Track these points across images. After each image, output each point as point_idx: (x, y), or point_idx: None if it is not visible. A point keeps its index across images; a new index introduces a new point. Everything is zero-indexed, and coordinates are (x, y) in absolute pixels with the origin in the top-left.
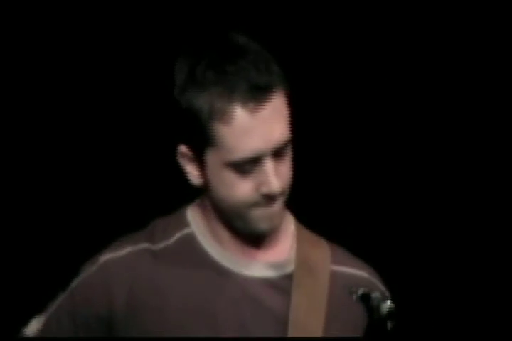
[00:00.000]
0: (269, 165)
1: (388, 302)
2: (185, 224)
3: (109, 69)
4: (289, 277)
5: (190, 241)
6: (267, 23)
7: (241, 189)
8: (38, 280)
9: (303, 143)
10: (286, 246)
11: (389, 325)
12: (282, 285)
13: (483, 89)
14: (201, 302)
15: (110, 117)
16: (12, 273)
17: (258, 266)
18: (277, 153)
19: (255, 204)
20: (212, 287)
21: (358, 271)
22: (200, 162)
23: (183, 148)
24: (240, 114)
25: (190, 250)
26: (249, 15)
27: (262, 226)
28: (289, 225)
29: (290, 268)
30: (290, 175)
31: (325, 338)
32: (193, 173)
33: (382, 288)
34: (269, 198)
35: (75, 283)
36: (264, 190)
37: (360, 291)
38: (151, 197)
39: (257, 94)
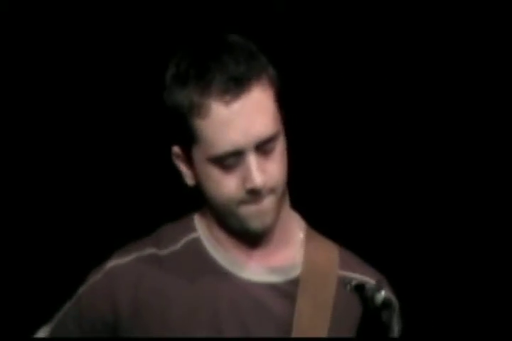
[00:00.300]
0: (251, 159)
1: (383, 293)
2: (192, 229)
3: (110, 72)
4: (295, 282)
5: (196, 245)
6: (266, 26)
7: (226, 185)
8: (44, 286)
9: (309, 143)
10: (294, 250)
11: (384, 315)
12: (288, 290)
13: (482, 88)
14: (205, 306)
15: (119, 121)
16: (16, 278)
17: (262, 271)
18: (262, 148)
19: (243, 202)
20: (216, 291)
21: (366, 278)
22: (190, 161)
23: (175, 149)
24: (216, 106)
25: (196, 255)
26: (249, 16)
27: (253, 224)
28: (297, 229)
29: (296, 273)
30: (281, 172)
31: (324, 338)
32: (186, 174)
33: (389, 293)
34: (254, 194)
35: (81, 289)
36: (248, 185)
37: (354, 282)
38: (161, 202)
39: (233, 86)
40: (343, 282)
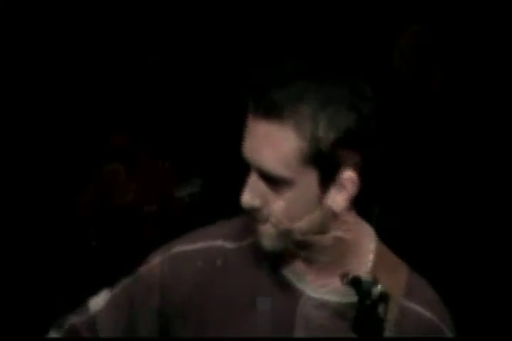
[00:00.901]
0: (250, 177)
1: (379, 286)
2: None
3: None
4: (354, 305)
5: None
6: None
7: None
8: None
9: None
10: (361, 270)
11: (380, 310)
12: (345, 311)
13: None
14: (254, 311)
15: None
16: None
17: (323, 287)
18: (266, 176)
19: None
20: (273, 299)
21: (427, 312)
22: None
23: None
24: (250, 114)
25: (259, 256)
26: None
27: (263, 242)
28: (365, 251)
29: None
30: (289, 213)
31: (325, 338)
32: None
33: (450, 334)
34: (248, 212)
35: (141, 269)
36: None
37: (351, 275)
38: None
39: (267, 107)
40: (409, 322)
